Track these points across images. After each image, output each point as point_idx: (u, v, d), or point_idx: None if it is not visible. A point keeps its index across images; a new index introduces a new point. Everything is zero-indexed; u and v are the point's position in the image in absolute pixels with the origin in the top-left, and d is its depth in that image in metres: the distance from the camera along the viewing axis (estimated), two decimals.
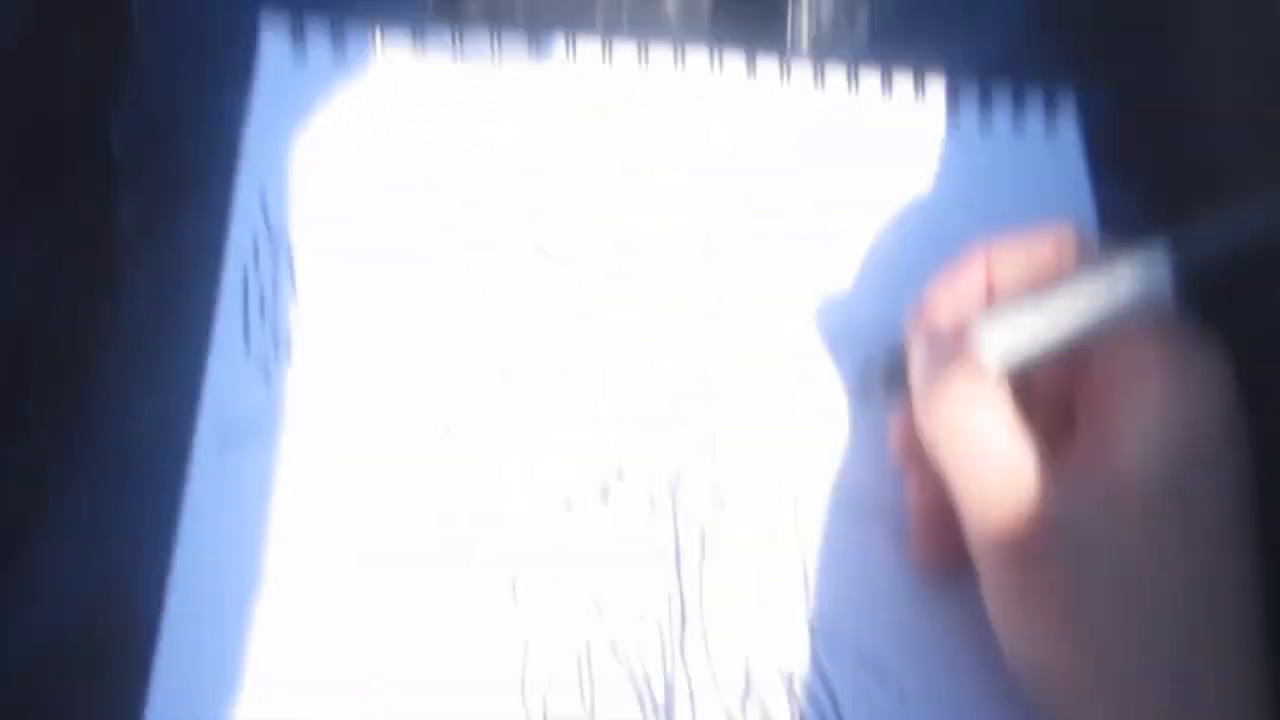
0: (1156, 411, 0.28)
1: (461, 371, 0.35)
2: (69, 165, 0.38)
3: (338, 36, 0.40)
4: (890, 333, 0.35)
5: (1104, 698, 0.28)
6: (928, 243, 0.38)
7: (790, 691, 0.32)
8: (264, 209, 0.37)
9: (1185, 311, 0.30)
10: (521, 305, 0.37)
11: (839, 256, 0.39)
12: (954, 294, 0.33)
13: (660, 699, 0.32)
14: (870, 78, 0.42)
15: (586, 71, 0.41)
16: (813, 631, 0.33)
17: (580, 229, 0.38)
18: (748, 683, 0.32)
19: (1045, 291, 0.31)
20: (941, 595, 0.34)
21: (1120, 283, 0.30)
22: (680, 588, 0.33)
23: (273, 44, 0.39)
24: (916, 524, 0.34)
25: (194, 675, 0.30)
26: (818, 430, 0.36)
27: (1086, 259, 0.31)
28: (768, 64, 0.42)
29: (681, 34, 0.43)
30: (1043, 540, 0.28)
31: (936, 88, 0.42)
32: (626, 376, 0.36)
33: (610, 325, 0.37)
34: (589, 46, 0.41)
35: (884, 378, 0.35)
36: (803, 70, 0.42)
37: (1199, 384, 0.29)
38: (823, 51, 0.45)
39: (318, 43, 0.40)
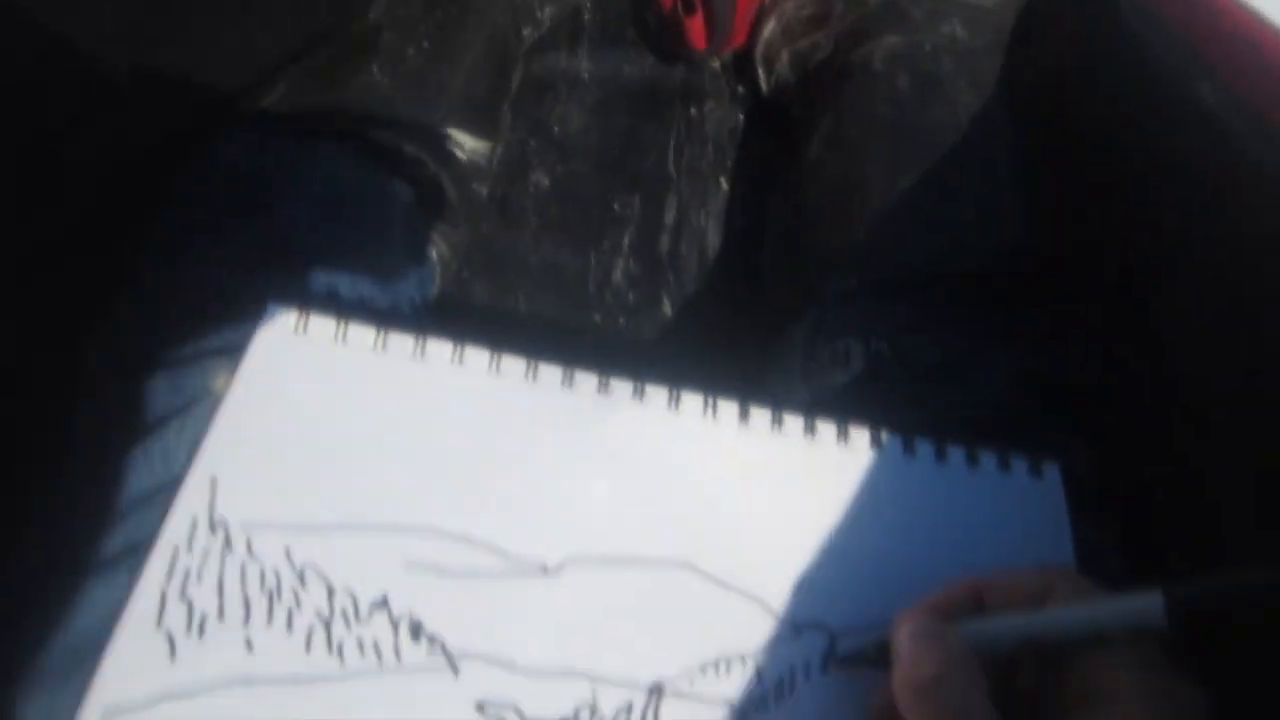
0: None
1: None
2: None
3: (338, 333, 0.42)
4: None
5: None
6: (913, 571, 0.40)
7: None
8: (212, 491, 0.38)
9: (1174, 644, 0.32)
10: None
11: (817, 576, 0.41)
12: (945, 602, 0.36)
13: None
14: (859, 431, 0.44)
15: (548, 392, 0.43)
16: None
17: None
18: None
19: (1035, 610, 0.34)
20: None
21: (1111, 613, 0.33)
22: None
23: (275, 325, 0.42)
24: None
25: None
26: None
27: (1078, 594, 0.34)
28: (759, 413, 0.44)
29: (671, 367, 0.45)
30: None
31: (925, 446, 0.44)
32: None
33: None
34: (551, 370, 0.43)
35: (870, 651, 0.37)
36: (794, 421, 0.44)
37: (1172, 710, 0.31)
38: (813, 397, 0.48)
39: (317, 332, 0.42)
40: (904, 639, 0.34)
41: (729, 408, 0.43)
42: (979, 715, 0.31)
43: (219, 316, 0.44)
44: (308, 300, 0.44)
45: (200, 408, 0.41)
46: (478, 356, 0.43)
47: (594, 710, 0.36)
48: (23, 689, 0.34)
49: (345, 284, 0.47)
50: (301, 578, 0.36)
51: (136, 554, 0.37)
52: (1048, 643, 0.33)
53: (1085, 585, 0.34)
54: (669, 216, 0.64)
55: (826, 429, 0.43)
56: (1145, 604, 0.32)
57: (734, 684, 0.37)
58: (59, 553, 0.38)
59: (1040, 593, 0.34)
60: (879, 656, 0.36)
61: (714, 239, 0.64)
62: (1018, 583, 0.35)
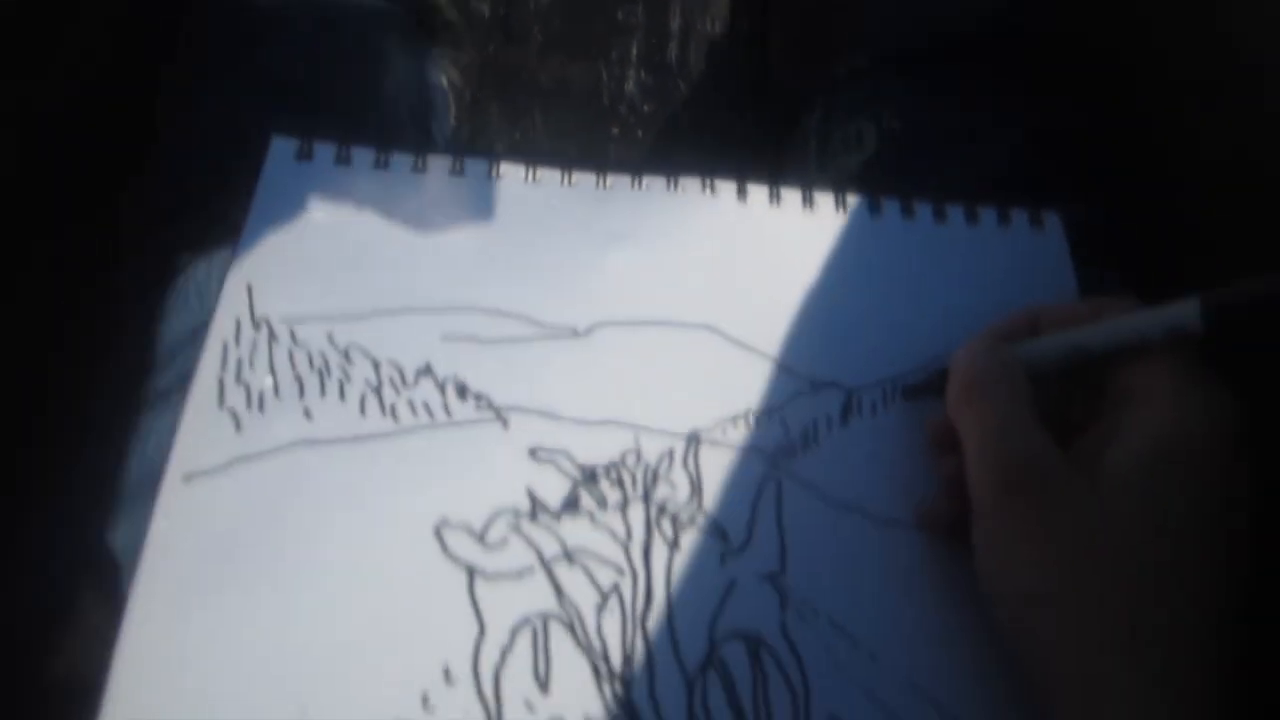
0: (1152, 417, 0.32)
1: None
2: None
3: (340, 155, 0.43)
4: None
5: (1069, 619, 0.31)
6: (919, 329, 0.42)
7: (754, 656, 0.35)
8: (249, 296, 0.39)
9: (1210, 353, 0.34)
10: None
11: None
12: (1003, 330, 0.38)
13: (618, 668, 0.34)
14: (855, 199, 0.45)
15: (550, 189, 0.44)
16: (784, 602, 0.36)
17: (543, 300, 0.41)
18: (710, 651, 0.35)
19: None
20: (920, 570, 0.37)
21: (1149, 319, 0.34)
22: (648, 570, 0.36)
23: (279, 154, 0.43)
24: (939, 495, 0.38)
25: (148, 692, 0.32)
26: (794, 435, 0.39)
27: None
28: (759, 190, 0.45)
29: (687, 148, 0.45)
30: (1036, 477, 0.32)
31: (923, 208, 0.45)
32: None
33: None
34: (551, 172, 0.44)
35: (935, 381, 0.39)
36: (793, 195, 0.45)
37: (1201, 408, 0.32)
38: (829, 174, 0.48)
39: (321, 157, 0.43)
40: (960, 354, 0.36)
41: (726, 186, 0.45)
42: (1017, 408, 0.34)
43: (238, 157, 0.45)
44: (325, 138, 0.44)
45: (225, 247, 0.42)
46: (476, 164, 0.44)
47: (639, 454, 0.38)
48: (104, 514, 0.36)
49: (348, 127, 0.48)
50: (347, 355, 0.38)
51: (187, 385, 0.39)
52: (1090, 352, 0.35)
53: (1134, 306, 0.35)
54: (674, 23, 0.64)
55: (824, 200, 0.45)
56: (1182, 309, 0.33)
57: (764, 435, 0.39)
58: (119, 393, 0.40)
59: (1091, 318, 0.36)
60: (941, 384, 0.37)
61: (721, 43, 0.64)
62: (1071, 311, 0.37)
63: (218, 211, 0.43)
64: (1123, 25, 0.51)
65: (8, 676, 0.34)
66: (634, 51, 0.63)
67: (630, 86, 0.63)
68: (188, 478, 0.35)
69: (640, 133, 0.61)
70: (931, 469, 0.39)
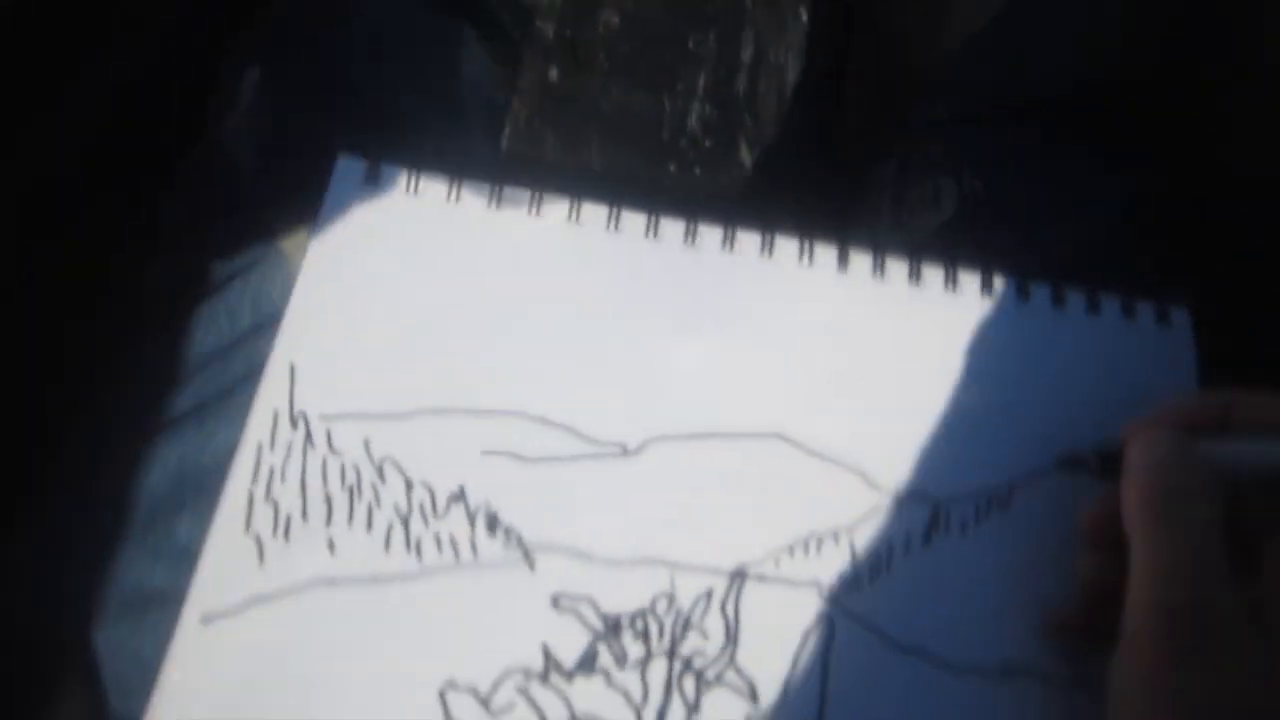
0: None
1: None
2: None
3: (410, 183, 0.42)
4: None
5: None
6: (1025, 429, 0.39)
7: None
8: (291, 381, 0.38)
9: None
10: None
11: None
12: (1185, 415, 0.34)
13: None
14: (969, 276, 0.42)
15: (631, 243, 0.42)
16: None
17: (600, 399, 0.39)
18: None
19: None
20: None
21: None
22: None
23: (345, 177, 0.41)
24: (1078, 599, 0.35)
25: None
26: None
27: None
28: (857, 257, 0.42)
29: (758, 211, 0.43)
30: (1219, 636, 0.29)
31: (1041, 291, 0.42)
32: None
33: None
34: (635, 218, 0.42)
35: (1093, 461, 0.35)
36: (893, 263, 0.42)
37: None
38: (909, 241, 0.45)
39: (389, 182, 0.42)
40: (1143, 447, 0.32)
41: (827, 253, 0.42)
42: (1214, 536, 0.30)
43: (284, 166, 0.43)
44: (379, 152, 0.43)
45: (264, 264, 0.41)
46: (556, 206, 0.42)
47: (672, 599, 0.36)
48: (97, 549, 0.36)
49: (414, 132, 0.46)
50: (380, 472, 0.37)
51: (203, 412, 0.39)
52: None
53: None
54: (746, 54, 0.61)
55: (933, 274, 0.41)
56: None
57: (825, 564, 0.37)
58: (129, 413, 0.39)
59: None
60: (1103, 468, 0.34)
61: (793, 76, 0.61)
62: (1270, 406, 0.33)
63: (261, 219, 0.42)
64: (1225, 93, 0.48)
65: None
66: (701, 83, 0.60)
67: (693, 120, 0.60)
68: (206, 620, 0.34)
69: (698, 170, 0.59)
70: (1075, 565, 0.35)
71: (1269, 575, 0.30)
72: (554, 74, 0.60)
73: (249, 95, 0.47)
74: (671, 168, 0.59)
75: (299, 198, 0.42)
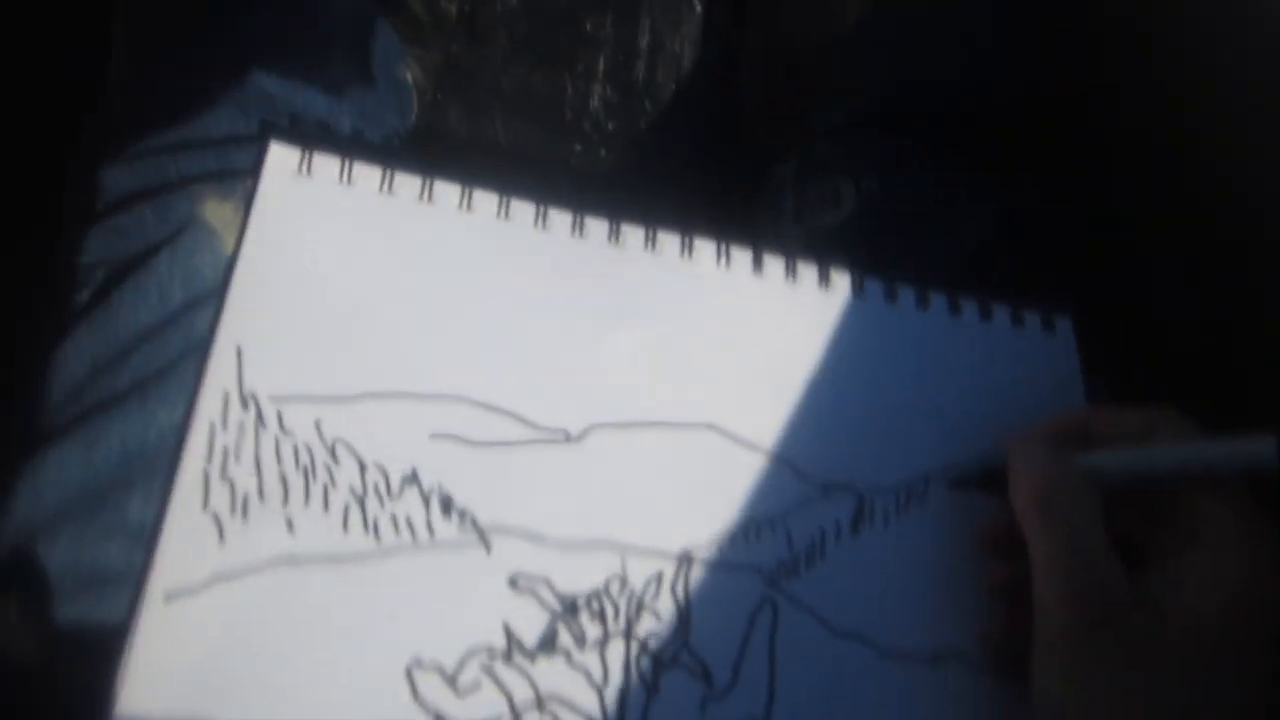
0: (1226, 562, 0.32)
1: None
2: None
3: (343, 173, 0.41)
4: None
5: None
6: (935, 429, 0.41)
7: None
8: (239, 363, 0.38)
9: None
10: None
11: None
12: (1056, 431, 0.37)
13: None
14: (873, 282, 0.44)
15: (558, 240, 0.42)
16: None
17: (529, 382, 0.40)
18: None
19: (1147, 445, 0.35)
20: (929, 712, 0.37)
21: (1224, 452, 0.34)
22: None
23: (278, 167, 0.41)
24: (993, 609, 0.38)
25: None
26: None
27: (1183, 434, 0.35)
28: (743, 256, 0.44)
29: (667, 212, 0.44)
30: (1117, 616, 0.32)
31: (939, 299, 0.44)
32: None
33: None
34: (561, 216, 0.43)
35: (978, 477, 0.38)
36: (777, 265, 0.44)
37: (1267, 549, 0.32)
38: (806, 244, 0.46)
39: (322, 174, 0.41)
40: (1025, 458, 0.36)
41: (742, 256, 0.43)
42: (1095, 533, 0.33)
43: (194, 135, 0.42)
44: (288, 123, 0.43)
45: (189, 236, 0.40)
46: (487, 200, 0.42)
47: (624, 581, 0.37)
48: (45, 529, 0.35)
49: (319, 104, 0.46)
50: (333, 453, 0.37)
51: (144, 389, 0.38)
52: (1157, 478, 0.35)
53: (1189, 426, 0.35)
54: (643, 41, 0.63)
55: (840, 280, 0.43)
56: (1257, 446, 0.33)
57: (764, 550, 0.38)
58: (65, 393, 0.38)
59: (1145, 430, 0.35)
60: (988, 482, 0.37)
61: (689, 65, 0.62)
62: (1123, 419, 0.37)
63: (177, 183, 0.41)
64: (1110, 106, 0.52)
65: None
66: (600, 66, 0.62)
67: (595, 102, 0.61)
68: (169, 597, 0.34)
69: (604, 151, 0.60)
70: (981, 577, 0.38)
71: (1154, 570, 0.34)
72: (455, 50, 0.60)
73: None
74: (577, 147, 0.60)
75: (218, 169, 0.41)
